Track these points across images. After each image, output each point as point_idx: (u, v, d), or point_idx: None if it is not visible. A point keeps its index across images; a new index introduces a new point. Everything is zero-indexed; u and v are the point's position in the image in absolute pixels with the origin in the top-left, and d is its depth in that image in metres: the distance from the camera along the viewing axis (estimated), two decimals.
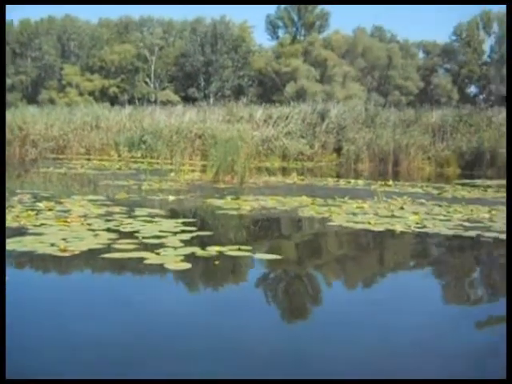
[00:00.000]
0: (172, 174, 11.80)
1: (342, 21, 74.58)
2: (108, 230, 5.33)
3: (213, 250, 4.74)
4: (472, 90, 44.79)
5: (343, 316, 3.47)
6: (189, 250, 4.69)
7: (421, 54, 46.93)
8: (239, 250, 4.81)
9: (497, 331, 3.25)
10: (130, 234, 5.22)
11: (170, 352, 2.77)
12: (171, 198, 8.03)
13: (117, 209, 6.66)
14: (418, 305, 3.82)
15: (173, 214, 6.70)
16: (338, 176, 14.65)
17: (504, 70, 41.52)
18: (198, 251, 4.66)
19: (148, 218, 6.06)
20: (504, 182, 13.75)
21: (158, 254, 4.50)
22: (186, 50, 47.30)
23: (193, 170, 13.00)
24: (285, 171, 14.69)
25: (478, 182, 13.33)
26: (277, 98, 36.49)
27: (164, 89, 48.65)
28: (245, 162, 10.58)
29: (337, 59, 40.81)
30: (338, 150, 21.19)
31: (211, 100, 40.81)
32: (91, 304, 3.55)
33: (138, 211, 6.56)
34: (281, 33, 45.80)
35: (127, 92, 48.74)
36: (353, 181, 11.99)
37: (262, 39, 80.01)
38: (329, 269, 4.95)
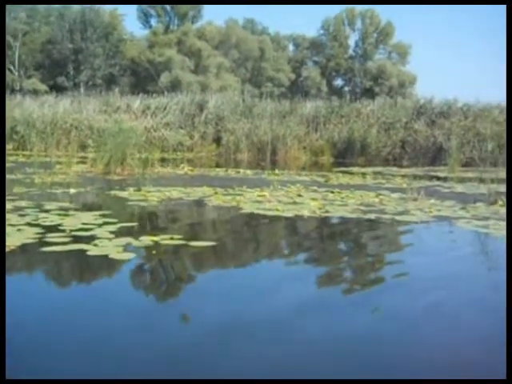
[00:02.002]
0: (58, 167, 11.49)
1: (215, 12, 75.03)
2: (29, 224, 5.25)
3: (147, 239, 4.88)
4: (339, 82, 47.12)
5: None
6: (123, 240, 4.79)
7: (291, 47, 48.50)
8: (172, 239, 4.98)
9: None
10: (55, 228, 5.19)
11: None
12: (72, 190, 7.93)
13: (23, 203, 6.50)
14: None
15: (85, 207, 6.68)
16: (218, 166, 15.01)
17: (367, 64, 44.21)
18: (134, 242, 4.78)
19: (62, 212, 6.02)
20: (377, 169, 14.96)
21: (95, 245, 4.57)
22: (54, 37, 45.24)
23: (78, 162, 12.73)
24: (166, 162, 14.75)
25: (354, 169, 14.29)
26: (151, 88, 36.02)
27: (30, 77, 46.26)
28: (137, 154, 10.62)
29: (211, 50, 41.09)
30: (217, 141, 21.55)
31: (82, 89, 39.45)
32: (69, 298, 3.60)
33: (47, 205, 6.46)
34: (153, 22, 45.28)
35: None
36: (242, 170, 12.40)
37: (133, 28, 78.19)
38: (266, 253, 5.26)
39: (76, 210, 6.29)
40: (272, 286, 3.98)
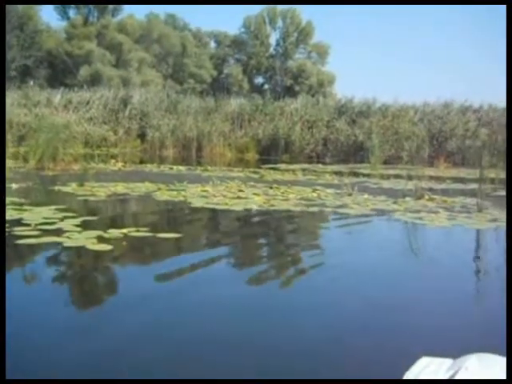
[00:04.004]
0: None
1: (135, 5, 73.44)
2: None
3: (115, 232, 5.02)
4: (260, 80, 47.61)
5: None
6: (93, 233, 4.92)
7: (212, 44, 48.50)
8: (138, 231, 5.12)
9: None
10: (18, 222, 5.23)
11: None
12: (14, 186, 7.80)
13: None
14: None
15: (37, 202, 6.65)
16: (143, 162, 15.02)
17: (288, 63, 45.02)
18: (103, 234, 4.90)
19: (17, 207, 6.01)
20: (304, 166, 15.43)
21: (68, 237, 4.66)
22: None
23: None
24: (92, 158, 14.59)
25: (282, 166, 14.69)
26: (70, 81, 35.13)
27: None
28: (70, 149, 10.52)
29: (132, 44, 40.47)
30: (141, 136, 21.45)
31: None
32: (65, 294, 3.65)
33: None
34: (72, 13, 43.96)
35: None
36: (175, 167, 12.51)
37: (50, 18, 75.24)
38: (230, 245, 5.51)
39: (30, 204, 6.30)
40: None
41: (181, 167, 12.54)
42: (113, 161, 12.77)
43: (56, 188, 7.95)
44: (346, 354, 2.78)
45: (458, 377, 1.39)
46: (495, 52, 65.69)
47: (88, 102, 22.91)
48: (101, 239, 4.72)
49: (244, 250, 5.38)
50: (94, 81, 35.14)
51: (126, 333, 2.86)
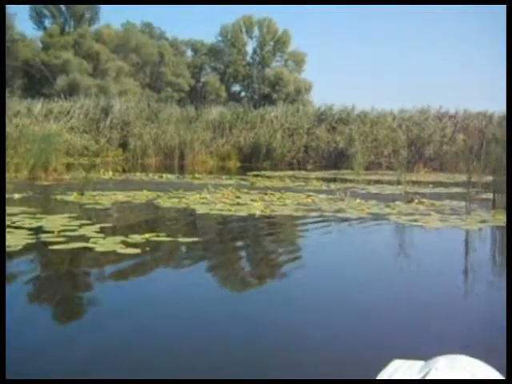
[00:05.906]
0: None
1: (112, 14, 73.24)
2: (9, 226, 5.34)
3: (137, 237, 5.20)
4: (237, 88, 47.84)
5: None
6: (116, 239, 5.10)
7: (189, 52, 48.58)
8: (158, 236, 5.30)
9: None
10: (40, 229, 5.38)
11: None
12: (17, 195, 7.91)
13: None
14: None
15: (47, 211, 6.76)
16: (126, 171, 15.12)
17: (265, 71, 45.38)
18: (127, 239, 5.08)
19: (31, 215, 6.13)
20: (288, 173, 15.70)
21: (95, 243, 4.84)
22: None
23: None
24: (75, 167, 14.66)
25: (267, 173, 14.93)
26: (47, 91, 35.02)
27: None
28: (61, 159, 10.64)
29: (109, 53, 40.44)
30: (123, 145, 21.55)
31: None
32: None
33: (8, 209, 6.48)
34: (48, 23, 43.72)
35: None
36: (164, 175, 12.67)
37: (26, 28, 74.62)
38: (248, 246, 5.78)
39: (41, 213, 6.44)
40: None
41: (170, 175, 12.71)
42: (102, 170, 12.89)
43: (58, 197, 8.08)
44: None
45: (428, 378, 1.44)
46: (468, 58, 67.22)
47: (68, 112, 22.96)
48: (127, 244, 4.90)
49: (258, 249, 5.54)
50: (72, 90, 34.99)
51: None
